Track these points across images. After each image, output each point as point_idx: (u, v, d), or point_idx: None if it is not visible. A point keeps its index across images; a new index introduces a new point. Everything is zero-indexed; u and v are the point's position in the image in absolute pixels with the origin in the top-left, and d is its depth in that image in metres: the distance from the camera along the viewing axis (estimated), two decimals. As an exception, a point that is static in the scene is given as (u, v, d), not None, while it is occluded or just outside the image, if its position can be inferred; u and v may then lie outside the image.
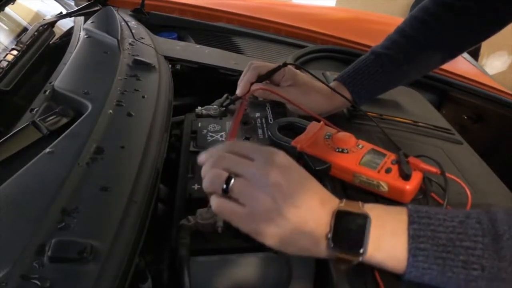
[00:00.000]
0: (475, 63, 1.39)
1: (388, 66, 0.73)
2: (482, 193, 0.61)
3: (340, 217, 0.42)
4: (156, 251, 0.53)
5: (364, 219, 0.42)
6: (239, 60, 0.94)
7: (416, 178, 0.55)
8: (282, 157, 0.44)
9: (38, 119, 0.60)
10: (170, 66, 0.86)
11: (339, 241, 0.41)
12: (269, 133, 0.65)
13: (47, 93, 0.69)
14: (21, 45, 0.84)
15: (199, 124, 0.70)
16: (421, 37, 0.73)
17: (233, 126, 0.55)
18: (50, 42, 0.94)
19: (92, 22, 0.95)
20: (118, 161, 0.53)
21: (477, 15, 0.71)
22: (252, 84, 0.72)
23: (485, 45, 2.50)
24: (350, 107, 0.78)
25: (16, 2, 0.93)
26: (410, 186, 0.54)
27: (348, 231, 0.41)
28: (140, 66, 0.76)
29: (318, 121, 0.65)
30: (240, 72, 0.75)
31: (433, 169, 0.57)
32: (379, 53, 0.74)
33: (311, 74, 0.76)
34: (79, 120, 0.58)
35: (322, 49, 1.14)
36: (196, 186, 0.56)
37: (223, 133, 0.69)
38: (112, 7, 1.10)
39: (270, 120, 0.72)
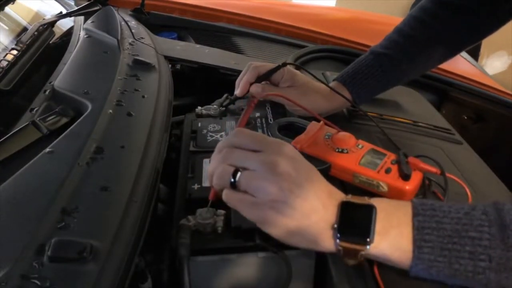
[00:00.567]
0: (475, 63, 1.39)
1: (387, 65, 0.73)
2: (482, 193, 0.61)
3: (346, 207, 0.42)
4: (156, 251, 0.53)
5: (370, 209, 0.42)
6: (239, 60, 0.94)
7: (416, 178, 0.55)
8: (290, 148, 0.44)
9: (38, 118, 0.60)
10: (170, 66, 0.86)
11: (345, 231, 0.41)
12: (269, 133, 0.65)
13: (47, 92, 0.69)
14: (21, 45, 0.84)
15: (199, 124, 0.70)
16: (420, 36, 0.73)
17: (241, 121, 0.54)
18: (50, 42, 0.94)
19: (92, 22, 0.95)
20: (118, 161, 0.53)
21: (475, 14, 0.71)
22: (251, 84, 0.72)
23: (485, 45, 2.50)
24: (350, 107, 0.78)
25: (16, 2, 0.93)
26: (410, 186, 0.54)
27: (355, 220, 0.41)
28: (140, 66, 0.76)
29: (318, 121, 0.65)
30: (240, 72, 0.75)
31: (433, 169, 0.57)
32: (378, 53, 0.74)
33: (311, 74, 0.76)
34: (79, 120, 0.58)
35: (322, 49, 1.14)
36: (196, 186, 0.56)
37: (223, 133, 0.68)
38: (112, 7, 1.10)
39: (270, 120, 0.72)
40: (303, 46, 1.16)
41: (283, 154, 0.43)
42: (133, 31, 0.95)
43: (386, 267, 0.48)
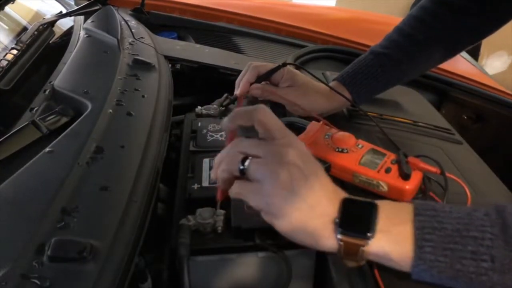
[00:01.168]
0: (475, 63, 1.39)
1: (387, 65, 0.73)
2: (482, 193, 0.61)
3: (348, 203, 0.42)
4: (156, 251, 0.53)
5: (372, 206, 0.42)
6: (239, 60, 0.94)
7: (415, 178, 0.55)
8: (299, 142, 0.44)
9: (38, 118, 0.60)
10: (170, 65, 0.86)
11: (346, 225, 0.41)
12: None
13: (47, 92, 0.69)
14: (21, 45, 0.84)
15: (199, 124, 0.70)
16: (420, 35, 0.73)
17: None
18: (50, 42, 0.94)
19: (92, 22, 0.95)
20: (118, 161, 0.52)
21: (475, 14, 0.71)
22: (251, 84, 0.72)
23: (485, 45, 2.50)
24: (350, 107, 0.78)
25: (16, 2, 0.93)
26: (410, 186, 0.54)
27: (356, 215, 0.41)
28: (140, 66, 0.76)
29: (318, 121, 0.65)
30: (240, 72, 0.75)
31: (433, 169, 0.57)
32: (378, 53, 0.74)
33: (311, 74, 0.76)
34: (79, 120, 0.58)
35: (322, 49, 1.14)
36: (196, 186, 0.56)
37: (222, 132, 0.68)
38: (112, 7, 1.10)
39: (270, 120, 0.72)
40: (303, 46, 1.16)
41: (293, 145, 0.43)
42: (133, 30, 0.95)
43: (386, 268, 0.48)
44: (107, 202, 0.46)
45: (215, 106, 0.76)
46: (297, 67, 0.86)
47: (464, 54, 1.35)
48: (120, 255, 0.40)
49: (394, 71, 0.74)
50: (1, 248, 0.39)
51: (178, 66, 0.93)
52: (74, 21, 1.05)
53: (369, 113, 0.74)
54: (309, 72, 0.77)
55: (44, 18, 1.00)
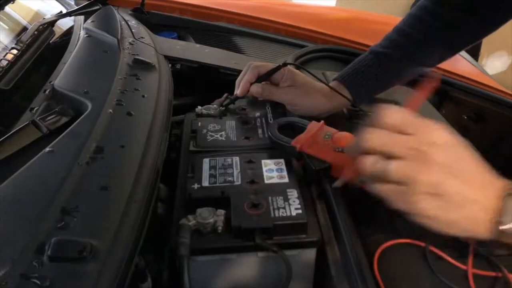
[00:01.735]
0: (475, 63, 1.39)
1: (387, 65, 0.73)
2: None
3: (508, 203, 0.40)
4: (156, 251, 0.53)
5: None
6: (239, 60, 0.94)
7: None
8: (442, 133, 0.41)
9: (38, 118, 0.60)
10: (170, 65, 0.86)
11: (506, 226, 0.39)
12: (269, 133, 0.65)
13: (47, 92, 0.69)
14: (21, 44, 0.84)
15: (199, 124, 0.70)
16: (419, 35, 0.73)
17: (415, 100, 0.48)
18: (50, 42, 0.94)
19: (92, 22, 0.95)
20: (118, 161, 0.52)
21: (475, 13, 0.71)
22: (252, 84, 0.72)
23: (485, 45, 2.50)
24: (350, 107, 0.78)
25: (16, 1, 0.93)
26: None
27: None
28: (140, 66, 0.76)
29: (318, 120, 0.65)
30: (240, 72, 0.75)
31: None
32: (378, 52, 0.74)
33: (311, 74, 0.76)
34: (79, 120, 0.58)
35: (322, 49, 1.14)
36: (196, 186, 0.56)
37: (222, 132, 0.69)
38: (112, 6, 1.10)
39: (270, 119, 0.72)
40: (303, 46, 1.16)
41: (436, 140, 0.40)
42: (133, 30, 0.95)
43: (386, 267, 0.48)
44: (107, 202, 0.46)
45: (215, 106, 0.76)
46: (297, 67, 0.86)
47: (464, 54, 1.35)
48: (120, 255, 0.40)
49: (394, 71, 0.74)
50: (1, 248, 0.39)
51: (178, 66, 0.93)
52: (74, 21, 1.05)
53: (369, 113, 0.74)
54: (309, 72, 0.77)
55: (44, 18, 1.00)
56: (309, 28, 1.24)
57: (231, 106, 0.76)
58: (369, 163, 0.42)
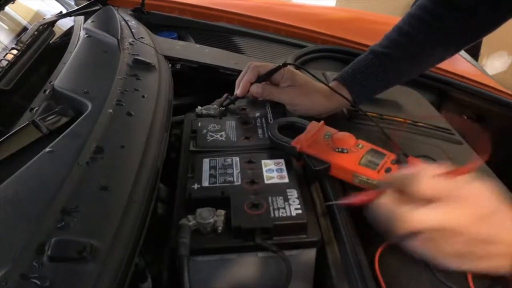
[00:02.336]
0: (475, 63, 1.39)
1: (387, 64, 0.73)
2: (482, 193, 0.60)
3: None
4: (156, 251, 0.53)
5: None
6: (239, 60, 0.94)
7: (415, 178, 0.55)
8: (472, 195, 0.40)
9: (38, 118, 0.60)
10: (170, 65, 0.86)
11: None
12: (269, 133, 0.65)
13: (47, 92, 0.69)
14: (21, 45, 0.84)
15: (199, 124, 0.70)
16: (419, 34, 0.73)
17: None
18: (50, 42, 0.95)
19: (92, 22, 0.95)
20: (118, 161, 0.53)
21: (475, 12, 0.71)
22: (252, 84, 0.72)
23: (485, 45, 2.50)
24: (350, 107, 0.78)
25: (16, 2, 0.93)
26: (410, 186, 0.54)
27: None
28: (140, 66, 0.76)
29: (318, 120, 0.65)
30: (240, 72, 0.75)
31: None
32: (377, 52, 0.74)
33: (311, 74, 0.76)
34: (79, 120, 0.58)
35: (322, 49, 1.14)
36: (196, 186, 0.56)
37: (223, 132, 0.69)
38: (112, 7, 1.10)
39: (270, 119, 0.72)
40: (303, 46, 1.16)
41: (463, 206, 0.39)
42: (133, 30, 0.95)
43: (386, 267, 0.48)
44: (107, 202, 0.46)
45: (215, 106, 0.76)
46: (297, 67, 0.86)
47: (464, 54, 1.35)
48: (120, 255, 0.40)
49: (393, 70, 0.74)
50: (1, 248, 0.39)
51: (178, 66, 0.93)
52: (74, 21, 1.05)
53: (369, 113, 0.74)
54: (309, 72, 0.77)
55: (44, 18, 1.00)
56: (309, 28, 1.24)
57: (231, 106, 0.76)
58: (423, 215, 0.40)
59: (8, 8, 0.95)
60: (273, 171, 0.59)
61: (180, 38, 1.18)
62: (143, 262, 0.48)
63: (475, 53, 2.41)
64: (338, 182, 0.59)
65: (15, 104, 0.75)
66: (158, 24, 1.20)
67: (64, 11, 1.08)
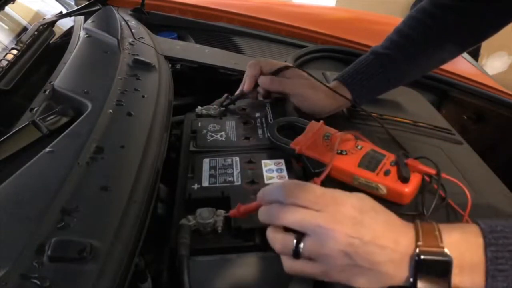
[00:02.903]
0: (475, 63, 1.39)
1: (387, 65, 0.73)
2: (482, 193, 0.61)
3: (421, 264, 0.40)
4: (156, 251, 0.53)
5: (448, 265, 0.40)
6: (239, 60, 0.94)
7: (414, 180, 0.55)
8: (348, 207, 0.42)
9: (38, 118, 0.60)
10: (170, 65, 0.86)
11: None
12: (268, 134, 0.65)
13: (47, 92, 0.69)
14: (21, 45, 0.84)
15: (199, 124, 0.70)
16: (419, 36, 0.73)
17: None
18: (50, 42, 0.95)
19: (92, 22, 0.95)
20: (118, 161, 0.53)
21: (476, 16, 0.71)
22: (256, 79, 0.72)
23: (485, 45, 2.50)
24: (351, 107, 0.78)
25: (16, 2, 0.93)
26: (409, 189, 0.54)
27: (431, 277, 0.40)
28: (140, 66, 0.76)
29: (318, 120, 0.65)
30: (240, 72, 0.75)
31: (432, 171, 0.57)
32: (378, 53, 0.74)
33: (310, 75, 0.76)
34: (79, 120, 0.58)
35: (322, 49, 1.14)
36: (196, 186, 0.56)
37: (223, 132, 0.69)
38: (112, 7, 1.10)
39: (270, 120, 0.72)
40: (303, 46, 1.16)
41: (341, 217, 0.41)
42: (133, 31, 0.95)
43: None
44: (107, 202, 0.46)
45: (215, 106, 0.76)
46: (297, 68, 0.86)
47: (464, 54, 1.34)
48: (120, 255, 0.40)
49: (394, 72, 0.75)
50: (1, 248, 0.39)
51: (178, 66, 0.93)
52: (74, 21, 1.05)
53: (368, 113, 0.74)
54: (308, 73, 0.77)
55: (44, 18, 1.00)
56: (309, 28, 1.24)
57: (231, 106, 0.76)
58: (279, 244, 0.44)
59: (8, 8, 0.95)
60: (273, 171, 0.59)
61: (180, 38, 1.18)
62: (143, 262, 0.48)
63: (475, 53, 2.41)
64: (338, 183, 0.59)
65: (15, 104, 0.75)
66: (158, 24, 1.20)
67: (64, 11, 1.08)
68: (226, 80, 0.90)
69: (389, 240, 0.41)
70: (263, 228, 0.49)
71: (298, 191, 0.43)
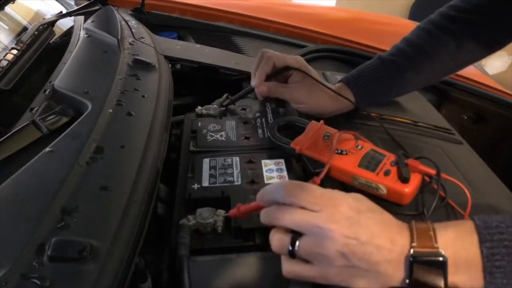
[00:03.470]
0: (475, 63, 1.38)
1: (392, 71, 0.74)
2: (482, 193, 0.61)
3: (415, 266, 0.40)
4: (156, 251, 0.53)
5: (442, 264, 0.40)
6: (239, 60, 0.94)
7: (415, 180, 0.55)
8: (345, 207, 0.42)
9: (38, 118, 0.60)
10: (170, 65, 0.86)
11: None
12: (268, 134, 0.65)
13: (47, 92, 0.69)
14: (21, 45, 0.84)
15: (199, 124, 0.70)
16: (426, 46, 0.73)
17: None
18: (50, 42, 0.94)
19: (92, 22, 0.95)
20: (118, 161, 0.53)
21: (485, 28, 0.71)
22: (267, 75, 0.72)
23: (485, 45, 2.49)
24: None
25: (16, 2, 0.93)
26: (409, 189, 0.54)
27: (428, 279, 0.40)
28: (140, 66, 0.76)
29: (318, 120, 0.65)
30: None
31: (432, 171, 0.57)
32: (384, 59, 0.75)
33: (310, 76, 0.76)
34: (79, 120, 0.58)
35: (322, 49, 1.14)
36: (196, 186, 0.56)
37: (222, 132, 0.69)
38: (112, 7, 1.10)
39: (270, 120, 0.72)
40: (303, 46, 1.16)
41: (338, 217, 0.41)
42: (133, 30, 0.95)
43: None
44: (107, 202, 0.46)
45: (215, 106, 0.76)
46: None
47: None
48: (120, 255, 0.40)
49: (398, 78, 0.75)
50: (1, 248, 0.39)
51: (178, 66, 0.93)
52: (74, 21, 1.05)
53: (368, 113, 0.74)
54: (308, 75, 0.77)
55: (44, 18, 1.00)
56: (309, 28, 1.24)
57: (231, 106, 0.76)
58: (276, 243, 0.44)
59: (8, 8, 0.95)
60: (273, 171, 0.59)
61: (180, 38, 1.18)
62: (143, 262, 0.48)
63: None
64: (339, 183, 0.59)
65: (15, 104, 0.75)
66: (158, 24, 1.19)
67: (64, 11, 1.08)
68: (226, 80, 0.90)
69: (386, 240, 0.41)
70: (263, 228, 0.49)
71: (297, 191, 0.44)
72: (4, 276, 0.36)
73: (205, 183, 0.57)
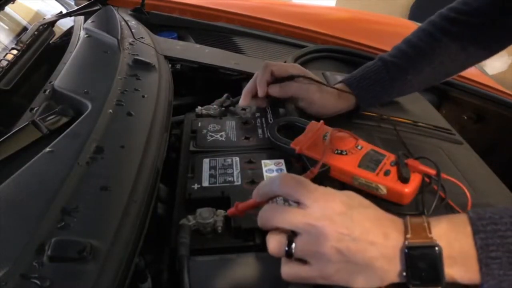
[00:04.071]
0: (475, 63, 1.38)
1: (393, 73, 0.74)
2: (482, 193, 0.61)
3: (410, 257, 0.40)
4: (156, 251, 0.53)
5: (437, 255, 0.40)
6: (239, 60, 0.94)
7: (414, 181, 0.55)
8: (337, 203, 0.42)
9: (38, 118, 0.60)
10: (170, 65, 0.86)
11: (414, 280, 0.40)
12: (268, 134, 0.65)
13: (47, 92, 0.69)
14: (21, 45, 0.84)
15: (199, 124, 0.70)
16: (427, 47, 0.73)
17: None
18: (50, 42, 0.94)
19: (92, 22, 0.95)
20: (118, 161, 0.53)
21: (485, 31, 0.71)
22: (269, 84, 0.72)
23: (485, 45, 2.49)
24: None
25: (16, 2, 0.93)
26: (409, 189, 0.54)
27: (422, 269, 0.40)
28: (140, 66, 0.76)
29: (318, 120, 0.65)
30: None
31: (432, 171, 0.57)
32: (386, 60, 0.75)
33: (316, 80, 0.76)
34: (79, 120, 0.58)
35: (322, 49, 1.14)
36: (196, 186, 0.56)
37: (222, 132, 0.69)
38: (112, 7, 1.10)
39: (270, 120, 0.72)
40: (303, 46, 1.16)
41: (330, 212, 0.42)
42: (133, 30, 0.95)
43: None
44: (107, 202, 0.46)
45: (215, 106, 0.76)
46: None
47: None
48: (120, 255, 0.40)
49: (399, 80, 0.75)
50: (1, 248, 0.39)
51: (178, 66, 0.93)
52: (74, 21, 1.05)
53: (368, 113, 0.74)
54: (312, 79, 0.77)
55: (44, 18, 1.00)
56: (309, 28, 1.24)
57: (231, 108, 0.76)
58: (272, 245, 0.44)
59: (8, 8, 0.95)
60: (273, 171, 0.59)
61: (180, 38, 1.18)
62: (143, 262, 0.48)
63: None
64: (339, 183, 0.59)
65: (15, 104, 0.75)
66: (158, 24, 1.20)
67: (64, 11, 1.08)
68: (226, 80, 0.90)
69: (379, 235, 0.41)
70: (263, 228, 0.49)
71: (292, 183, 0.44)
72: (4, 276, 0.36)
73: (205, 183, 0.57)
